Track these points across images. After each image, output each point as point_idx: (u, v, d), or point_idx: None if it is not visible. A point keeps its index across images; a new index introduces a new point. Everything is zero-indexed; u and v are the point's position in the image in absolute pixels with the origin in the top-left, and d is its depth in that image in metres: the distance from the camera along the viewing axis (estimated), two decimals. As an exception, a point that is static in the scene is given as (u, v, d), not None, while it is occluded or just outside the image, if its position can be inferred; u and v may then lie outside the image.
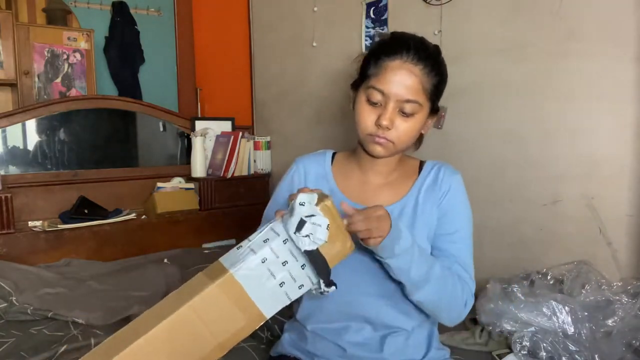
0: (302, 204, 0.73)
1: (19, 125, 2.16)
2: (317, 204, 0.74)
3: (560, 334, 1.22)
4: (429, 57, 0.91)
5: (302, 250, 0.73)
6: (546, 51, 1.52)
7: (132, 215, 2.21)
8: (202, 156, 2.47)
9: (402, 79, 0.89)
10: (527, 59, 1.57)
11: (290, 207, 0.75)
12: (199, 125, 2.56)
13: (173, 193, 2.33)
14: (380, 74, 0.90)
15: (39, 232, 1.95)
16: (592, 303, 1.28)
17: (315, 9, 2.27)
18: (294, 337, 1.06)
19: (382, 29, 2.01)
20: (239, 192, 2.52)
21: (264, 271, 0.73)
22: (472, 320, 1.43)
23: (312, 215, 0.73)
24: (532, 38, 1.55)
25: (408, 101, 0.90)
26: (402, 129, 0.91)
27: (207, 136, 2.53)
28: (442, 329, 1.08)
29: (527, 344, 1.23)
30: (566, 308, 1.24)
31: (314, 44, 2.30)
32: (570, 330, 1.22)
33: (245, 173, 2.57)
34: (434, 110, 0.97)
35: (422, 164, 1.05)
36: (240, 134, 2.49)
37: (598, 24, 1.40)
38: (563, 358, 1.17)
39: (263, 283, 0.74)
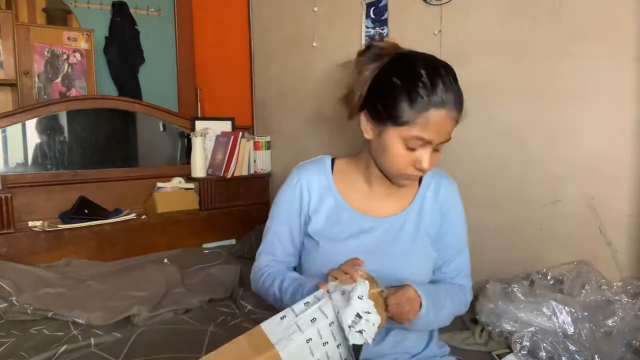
0: (360, 298, 0.76)
1: (19, 125, 2.16)
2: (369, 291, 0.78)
3: (560, 334, 1.22)
4: (461, 102, 0.90)
5: (351, 343, 0.75)
6: (546, 51, 1.52)
7: (132, 215, 2.21)
8: (202, 156, 2.47)
9: (444, 127, 0.88)
10: (527, 59, 1.57)
11: (343, 290, 0.78)
12: (199, 125, 2.56)
13: (173, 193, 2.33)
14: (425, 122, 0.86)
15: (39, 232, 1.95)
16: (592, 303, 1.28)
17: (315, 9, 2.27)
18: None
19: (382, 29, 2.01)
20: (239, 192, 2.52)
21: (305, 350, 0.75)
22: (472, 320, 1.43)
23: (368, 313, 0.75)
24: (532, 38, 1.55)
25: (444, 141, 0.91)
26: (434, 164, 0.93)
27: (207, 136, 2.53)
28: (442, 329, 1.09)
29: (527, 344, 1.23)
30: (566, 308, 1.24)
31: (314, 44, 2.30)
32: (570, 330, 1.22)
33: (245, 173, 2.57)
34: None
35: None
36: (240, 134, 2.49)
37: (598, 24, 1.40)
38: (563, 358, 1.17)
39: None
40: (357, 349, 0.77)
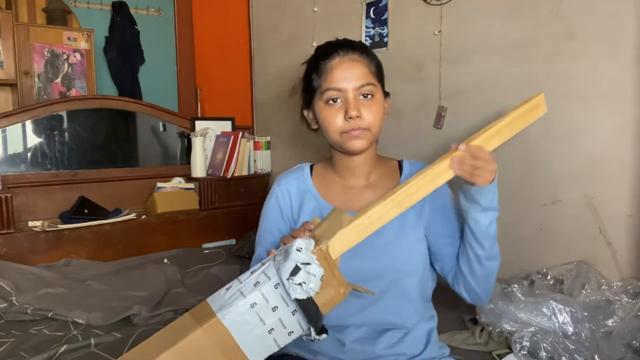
0: (299, 250, 0.71)
1: (19, 125, 2.16)
2: (313, 249, 0.72)
3: (560, 334, 1.22)
4: (361, 47, 0.99)
5: (293, 298, 0.70)
6: (546, 51, 1.52)
7: (132, 215, 2.21)
8: (202, 156, 2.47)
9: (348, 70, 0.95)
10: (527, 58, 1.57)
11: (285, 250, 0.73)
12: (199, 125, 2.56)
13: (173, 193, 2.33)
14: (328, 75, 0.96)
15: (39, 232, 1.95)
16: (592, 303, 1.28)
17: (315, 9, 2.27)
18: None
19: (382, 29, 2.01)
20: (239, 192, 2.52)
21: (252, 316, 0.70)
22: (472, 320, 1.43)
23: (308, 264, 0.70)
24: (532, 38, 1.55)
25: (363, 85, 0.95)
26: (370, 114, 0.95)
27: (207, 136, 2.54)
28: (442, 329, 1.08)
29: (527, 344, 1.23)
30: (566, 308, 1.24)
31: (314, 44, 2.29)
32: (570, 330, 1.22)
33: (245, 173, 2.57)
34: (385, 93, 1.03)
35: (400, 163, 1.07)
36: (240, 134, 2.49)
37: (598, 24, 1.40)
38: (563, 358, 1.17)
39: (251, 329, 0.71)
40: (308, 309, 0.71)
